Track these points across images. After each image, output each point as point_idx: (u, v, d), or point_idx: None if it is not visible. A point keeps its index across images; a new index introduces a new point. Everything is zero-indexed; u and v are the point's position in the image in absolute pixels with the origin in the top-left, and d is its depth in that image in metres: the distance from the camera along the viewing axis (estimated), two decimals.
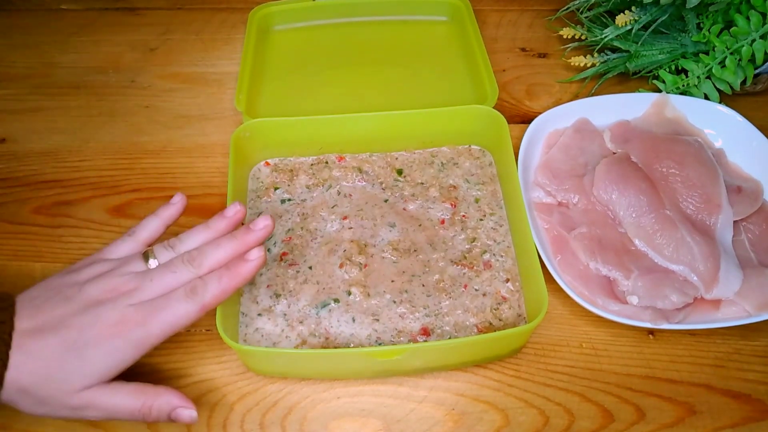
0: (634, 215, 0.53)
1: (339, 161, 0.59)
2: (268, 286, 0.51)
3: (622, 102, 0.62)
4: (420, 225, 0.54)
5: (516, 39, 0.74)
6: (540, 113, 0.59)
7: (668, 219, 0.52)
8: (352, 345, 0.48)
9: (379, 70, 0.69)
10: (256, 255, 0.42)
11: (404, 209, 0.56)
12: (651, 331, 0.50)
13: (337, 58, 0.71)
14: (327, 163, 0.59)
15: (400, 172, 0.58)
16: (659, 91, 0.63)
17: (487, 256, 0.52)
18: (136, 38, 0.74)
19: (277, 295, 0.50)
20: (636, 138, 0.58)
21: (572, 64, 0.67)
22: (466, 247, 0.53)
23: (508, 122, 0.55)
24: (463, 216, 0.55)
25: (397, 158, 0.60)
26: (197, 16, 0.78)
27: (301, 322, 0.49)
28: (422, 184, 0.57)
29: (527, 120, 0.59)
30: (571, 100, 0.62)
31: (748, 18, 0.58)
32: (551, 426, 0.45)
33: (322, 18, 0.74)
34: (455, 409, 0.46)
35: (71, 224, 0.57)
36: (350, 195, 0.57)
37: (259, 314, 0.49)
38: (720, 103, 0.61)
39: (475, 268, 0.52)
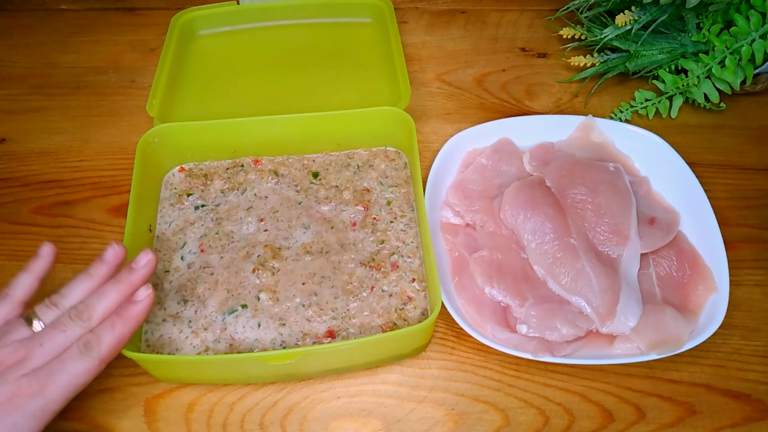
0: (537, 241, 0.51)
1: (255, 164, 0.59)
2: (176, 292, 0.50)
3: (552, 123, 0.59)
4: (332, 227, 0.54)
5: (516, 39, 0.74)
6: (540, 113, 0.59)
7: (571, 247, 0.50)
8: (256, 350, 0.47)
9: (303, 72, 0.68)
10: (144, 294, 0.41)
11: (317, 211, 0.55)
12: None
13: (261, 62, 0.70)
14: (243, 166, 0.58)
15: (315, 174, 0.58)
16: (659, 90, 0.63)
17: (395, 258, 0.52)
18: (136, 38, 0.74)
19: (185, 302, 0.50)
20: (555, 161, 0.56)
21: (572, 63, 0.67)
22: (375, 248, 0.53)
23: None
24: (374, 218, 0.55)
25: (314, 160, 0.59)
26: None
27: (205, 329, 0.48)
28: (337, 186, 0.57)
29: None
30: (571, 99, 0.62)
31: (747, 18, 0.58)
32: (551, 426, 0.45)
33: (246, 22, 0.73)
34: (455, 409, 0.46)
35: (71, 224, 0.57)
36: (266, 197, 0.56)
37: (164, 320, 0.49)
38: (720, 103, 0.61)
39: (382, 269, 0.51)
